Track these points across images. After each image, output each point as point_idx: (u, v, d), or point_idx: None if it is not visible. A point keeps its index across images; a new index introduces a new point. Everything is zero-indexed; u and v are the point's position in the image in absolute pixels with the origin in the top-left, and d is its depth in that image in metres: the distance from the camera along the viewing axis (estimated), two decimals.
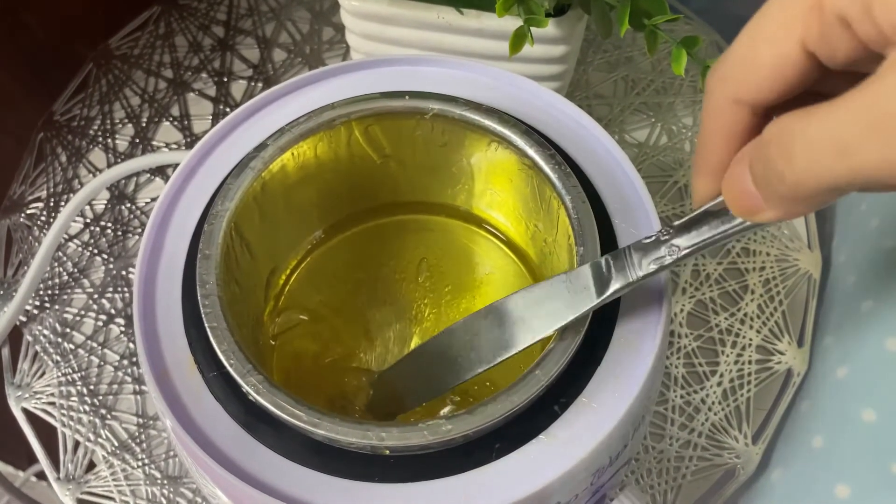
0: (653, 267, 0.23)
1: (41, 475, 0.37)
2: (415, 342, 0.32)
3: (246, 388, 0.24)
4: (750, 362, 0.38)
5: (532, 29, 0.30)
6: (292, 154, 0.29)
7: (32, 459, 0.37)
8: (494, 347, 0.25)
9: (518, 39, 0.30)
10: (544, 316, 0.24)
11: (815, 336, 0.38)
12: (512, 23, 0.32)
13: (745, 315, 0.39)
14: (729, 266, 0.40)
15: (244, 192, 0.28)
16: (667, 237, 0.23)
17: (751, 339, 0.38)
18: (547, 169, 0.28)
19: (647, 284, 0.26)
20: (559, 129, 0.30)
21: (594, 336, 0.25)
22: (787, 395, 0.37)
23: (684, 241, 0.23)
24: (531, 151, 0.28)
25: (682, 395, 0.37)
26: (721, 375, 0.37)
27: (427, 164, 0.32)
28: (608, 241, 0.27)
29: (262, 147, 0.29)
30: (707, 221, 0.22)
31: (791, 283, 0.40)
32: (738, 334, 0.38)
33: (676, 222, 0.23)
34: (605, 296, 0.24)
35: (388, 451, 0.23)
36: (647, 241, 0.23)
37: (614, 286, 0.24)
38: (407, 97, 0.30)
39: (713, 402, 0.37)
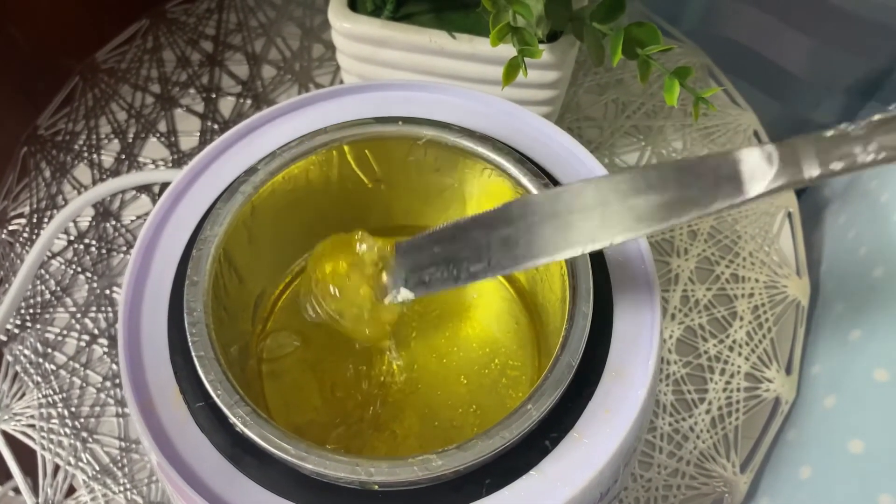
0: (838, 166, 0.18)
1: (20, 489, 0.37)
2: (399, 366, 0.31)
3: (233, 419, 0.23)
4: (738, 390, 0.38)
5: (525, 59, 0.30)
6: (283, 178, 0.29)
7: (11, 474, 0.36)
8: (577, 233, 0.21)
9: (512, 70, 0.30)
10: (655, 206, 0.20)
11: (802, 364, 0.38)
12: (504, 47, 0.32)
13: (734, 342, 0.39)
14: (718, 292, 0.40)
15: (233, 217, 0.28)
16: (861, 132, 0.18)
17: (739, 367, 0.38)
18: None
19: (640, 316, 0.26)
20: (552, 159, 0.29)
21: (586, 369, 0.25)
22: (775, 424, 0.37)
23: (891, 141, 0.18)
24: (525, 180, 0.28)
25: (671, 423, 0.37)
26: (709, 403, 0.37)
27: (419, 188, 0.32)
28: (600, 272, 0.27)
29: (252, 171, 0.28)
30: None
31: (779, 311, 0.40)
32: (726, 361, 0.38)
33: (876, 116, 0.18)
34: (758, 193, 0.19)
35: (377, 487, 0.23)
36: (828, 133, 0.19)
37: (775, 182, 0.19)
38: (400, 123, 0.29)
39: (701, 430, 0.37)
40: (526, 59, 0.30)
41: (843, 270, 0.40)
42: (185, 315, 0.25)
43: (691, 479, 0.36)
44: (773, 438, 0.37)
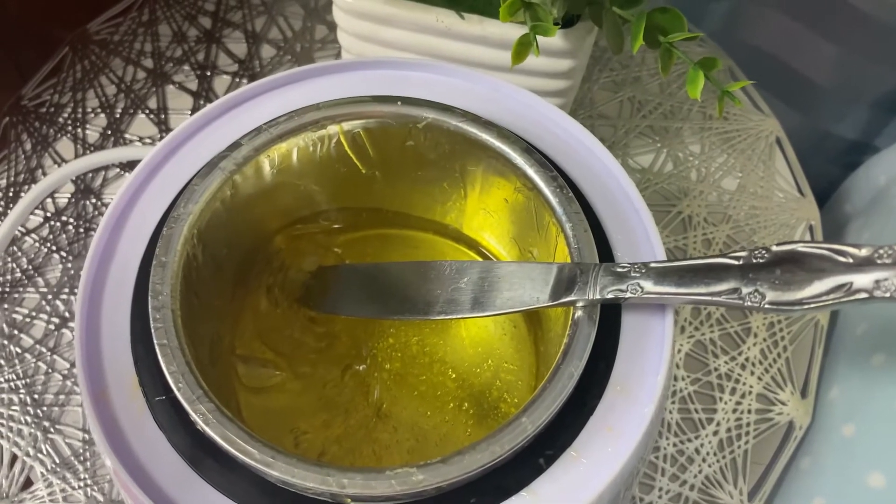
0: (609, 296, 0.22)
1: None
2: (389, 367, 0.29)
3: (194, 416, 0.21)
4: (749, 411, 0.35)
5: (538, 38, 0.28)
6: (268, 156, 0.27)
7: None
8: (445, 303, 0.25)
9: (522, 48, 0.27)
10: (505, 298, 0.24)
11: (819, 388, 0.36)
12: (516, 31, 0.30)
13: (747, 360, 0.36)
14: None
15: (211, 195, 0.25)
16: (636, 275, 0.23)
17: (751, 387, 0.36)
18: (547, 192, 0.25)
19: (650, 325, 0.24)
20: (562, 149, 0.27)
21: (588, 381, 0.22)
22: (788, 450, 0.34)
23: (649, 286, 0.22)
24: (531, 171, 0.26)
25: (675, 444, 0.34)
26: (718, 424, 0.35)
27: (417, 177, 0.29)
28: None
29: (235, 146, 0.26)
30: (687, 276, 0.22)
31: (797, 329, 0.37)
32: (737, 380, 0.36)
33: (653, 263, 0.23)
34: (556, 303, 0.23)
35: (349, 500, 0.21)
36: (620, 269, 0.23)
37: (568, 297, 0.23)
38: (399, 103, 0.27)
39: (708, 453, 0.34)
40: (539, 42, 0.28)
41: None
42: (149, 299, 0.23)
43: None
44: (785, 466, 0.34)
